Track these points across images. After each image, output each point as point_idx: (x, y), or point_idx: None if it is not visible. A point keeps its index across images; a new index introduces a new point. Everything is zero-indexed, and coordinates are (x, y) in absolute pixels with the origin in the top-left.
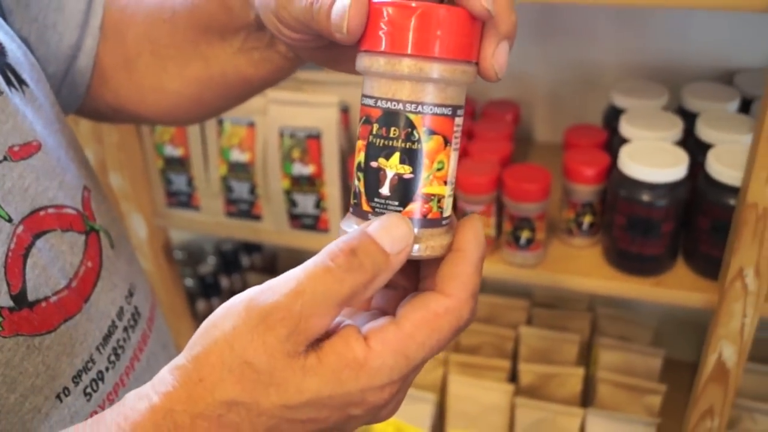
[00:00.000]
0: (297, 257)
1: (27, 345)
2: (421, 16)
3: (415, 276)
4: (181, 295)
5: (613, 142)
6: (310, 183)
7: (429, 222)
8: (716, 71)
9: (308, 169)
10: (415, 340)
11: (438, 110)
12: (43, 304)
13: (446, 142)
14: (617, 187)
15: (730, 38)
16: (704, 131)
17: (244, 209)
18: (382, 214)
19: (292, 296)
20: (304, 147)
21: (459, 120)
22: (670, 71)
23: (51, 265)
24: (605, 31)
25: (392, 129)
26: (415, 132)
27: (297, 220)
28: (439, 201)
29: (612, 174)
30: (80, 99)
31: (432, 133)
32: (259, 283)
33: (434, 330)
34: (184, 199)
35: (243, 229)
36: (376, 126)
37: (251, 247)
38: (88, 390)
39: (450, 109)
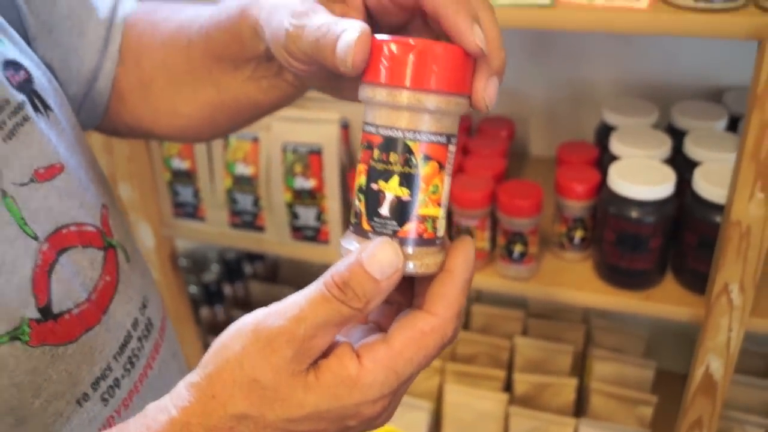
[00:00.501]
0: (298, 266)
1: (52, 354)
2: (419, 53)
3: (409, 291)
4: (186, 302)
5: (604, 159)
6: (312, 196)
7: (424, 241)
8: (705, 90)
9: (310, 183)
10: (403, 357)
11: (434, 138)
12: (66, 316)
13: (441, 167)
14: (607, 204)
15: (719, 57)
16: (692, 149)
17: (248, 220)
18: (381, 233)
19: (295, 321)
20: (306, 162)
21: (452, 147)
22: (661, 89)
23: (73, 280)
24: (598, 50)
25: (392, 154)
26: (412, 158)
27: (298, 231)
28: (433, 222)
29: (602, 190)
30: (99, 118)
31: (428, 158)
32: (261, 291)
33: (421, 348)
34: (190, 210)
35: (247, 239)
36: (377, 151)
37: (254, 256)
38: (106, 396)
39: (444, 137)
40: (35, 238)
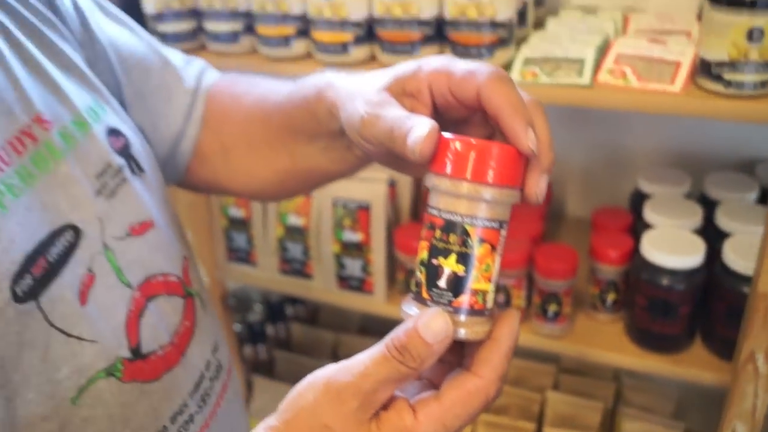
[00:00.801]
0: (337, 311)
1: (140, 390)
2: (479, 151)
3: (460, 352)
4: (232, 340)
5: (638, 226)
6: (358, 249)
7: (474, 311)
8: (738, 160)
9: (357, 237)
10: (452, 412)
11: (488, 224)
12: (153, 356)
13: (493, 248)
14: (639, 270)
15: (752, 129)
16: (723, 221)
17: (297, 268)
18: (438, 302)
19: (361, 378)
20: (355, 217)
21: (504, 232)
22: (695, 159)
23: (159, 324)
24: (634, 118)
25: (451, 235)
26: (469, 240)
27: (345, 281)
28: (484, 295)
29: (634, 257)
30: (181, 175)
31: (482, 241)
32: (302, 333)
33: (467, 405)
34: (243, 256)
35: (295, 286)
36: (438, 232)
37: (296, 299)
38: (181, 429)
39: (498, 223)
40: (129, 286)
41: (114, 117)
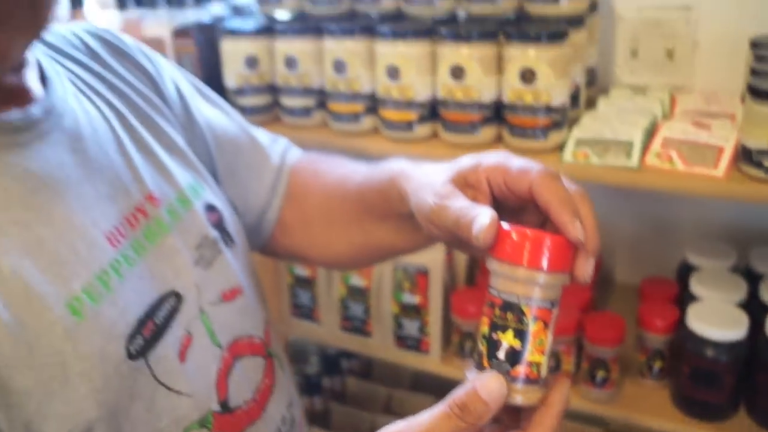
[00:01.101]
0: (389, 366)
1: None
2: (533, 241)
3: (517, 416)
4: None
5: (684, 296)
6: (416, 311)
7: (529, 380)
8: None
9: (415, 299)
10: None
11: (542, 304)
12: (238, 411)
13: (546, 325)
14: (684, 341)
15: None
16: (767, 295)
17: (358, 326)
18: (498, 372)
19: None
20: (414, 280)
21: (556, 310)
22: (740, 232)
23: (243, 382)
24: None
25: (509, 314)
26: (524, 318)
27: (402, 340)
28: (538, 366)
29: (680, 327)
30: (265, 242)
31: (536, 319)
32: (357, 386)
33: None
34: (306, 312)
35: (355, 342)
36: (497, 310)
37: (351, 353)
38: None
39: (550, 303)
40: (219, 346)
41: (210, 193)
